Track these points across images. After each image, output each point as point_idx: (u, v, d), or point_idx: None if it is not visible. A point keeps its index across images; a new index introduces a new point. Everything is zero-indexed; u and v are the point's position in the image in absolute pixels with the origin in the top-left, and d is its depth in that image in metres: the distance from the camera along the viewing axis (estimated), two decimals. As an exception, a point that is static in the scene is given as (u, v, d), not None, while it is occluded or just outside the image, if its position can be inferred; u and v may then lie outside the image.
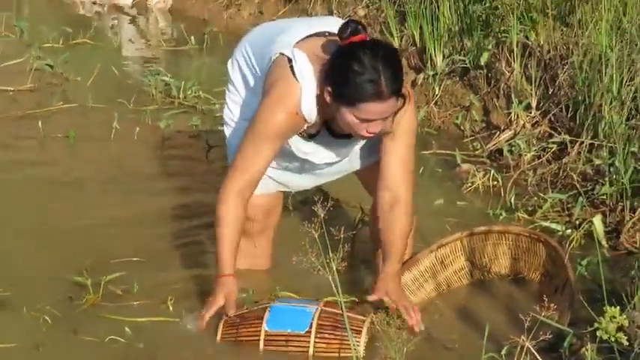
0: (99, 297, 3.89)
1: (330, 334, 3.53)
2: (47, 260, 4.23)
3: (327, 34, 3.66)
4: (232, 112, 3.95)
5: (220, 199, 3.68)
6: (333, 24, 3.67)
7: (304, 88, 3.56)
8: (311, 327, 3.52)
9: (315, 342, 3.51)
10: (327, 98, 3.50)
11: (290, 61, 3.58)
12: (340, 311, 3.51)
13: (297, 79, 3.57)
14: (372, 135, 3.56)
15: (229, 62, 3.96)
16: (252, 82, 3.85)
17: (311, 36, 3.67)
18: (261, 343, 3.52)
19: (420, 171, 5.16)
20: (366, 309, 3.76)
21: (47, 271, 4.13)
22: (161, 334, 3.71)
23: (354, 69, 3.41)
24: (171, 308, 3.87)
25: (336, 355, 3.51)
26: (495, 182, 5.03)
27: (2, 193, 4.90)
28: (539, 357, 3.22)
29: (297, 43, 3.64)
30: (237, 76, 3.91)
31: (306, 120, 3.62)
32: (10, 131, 5.77)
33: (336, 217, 4.25)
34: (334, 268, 3.41)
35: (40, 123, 5.70)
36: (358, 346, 3.47)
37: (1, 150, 5.50)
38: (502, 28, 5.68)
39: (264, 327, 3.53)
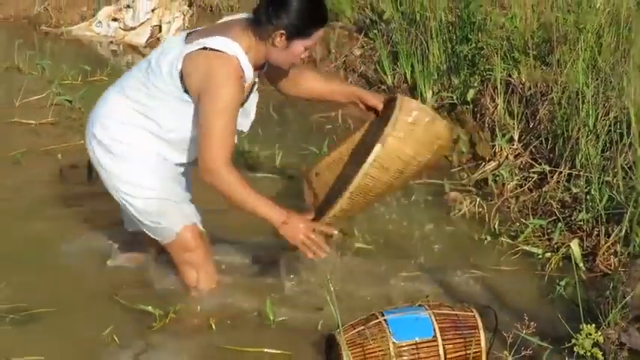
0: (166, 322, 3.96)
1: (453, 334, 3.47)
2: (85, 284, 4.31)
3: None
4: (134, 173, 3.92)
5: (218, 179, 3.68)
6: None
7: (238, 54, 3.69)
8: (435, 331, 3.47)
9: (443, 344, 3.46)
10: (279, 42, 3.70)
11: (205, 49, 3.70)
12: (449, 311, 3.53)
13: (225, 52, 3.67)
14: (302, 60, 3.88)
15: (94, 134, 3.94)
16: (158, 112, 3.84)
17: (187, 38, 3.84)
18: (393, 355, 3.42)
19: (412, 199, 5.19)
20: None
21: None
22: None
23: (308, 6, 3.70)
24: (214, 328, 3.95)
25: (463, 353, 3.47)
26: (481, 209, 5.03)
27: (20, 221, 4.94)
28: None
29: (185, 41, 3.79)
30: (126, 130, 3.89)
31: (246, 81, 3.76)
32: (33, 163, 5.79)
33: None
34: (332, 289, 3.46)
35: (59, 155, 5.73)
36: (480, 341, 3.47)
37: (24, 180, 5.53)
38: (487, 67, 5.70)
39: (392, 339, 3.44)
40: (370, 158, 3.64)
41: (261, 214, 3.70)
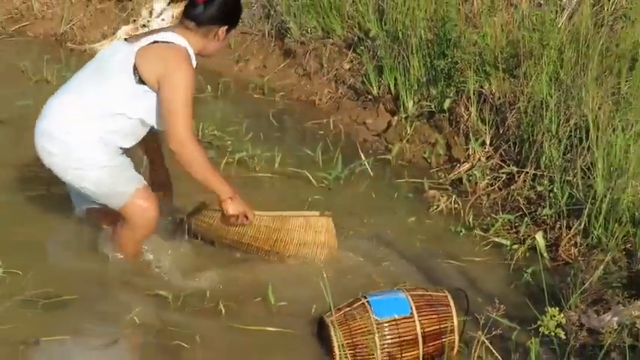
0: (179, 304, 3.97)
1: (428, 311, 3.51)
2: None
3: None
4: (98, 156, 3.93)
5: (186, 148, 3.81)
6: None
7: (187, 45, 3.86)
8: (412, 309, 3.51)
9: (419, 320, 3.50)
10: (221, 35, 3.93)
11: (155, 42, 3.83)
12: (424, 292, 3.57)
13: (175, 42, 3.83)
14: None
15: (42, 132, 3.93)
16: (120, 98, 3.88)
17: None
18: (375, 330, 3.47)
19: (395, 196, 5.19)
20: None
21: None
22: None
23: (238, 5, 4.04)
24: (223, 311, 3.94)
25: (438, 327, 3.50)
26: (456, 205, 5.03)
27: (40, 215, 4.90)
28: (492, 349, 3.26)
29: (129, 43, 3.89)
30: (72, 121, 3.89)
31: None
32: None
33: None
34: (325, 276, 3.46)
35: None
36: (453, 317, 3.54)
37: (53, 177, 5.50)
38: (461, 79, 5.67)
39: (374, 317, 3.49)
40: (306, 214, 4.23)
41: (214, 186, 3.90)
